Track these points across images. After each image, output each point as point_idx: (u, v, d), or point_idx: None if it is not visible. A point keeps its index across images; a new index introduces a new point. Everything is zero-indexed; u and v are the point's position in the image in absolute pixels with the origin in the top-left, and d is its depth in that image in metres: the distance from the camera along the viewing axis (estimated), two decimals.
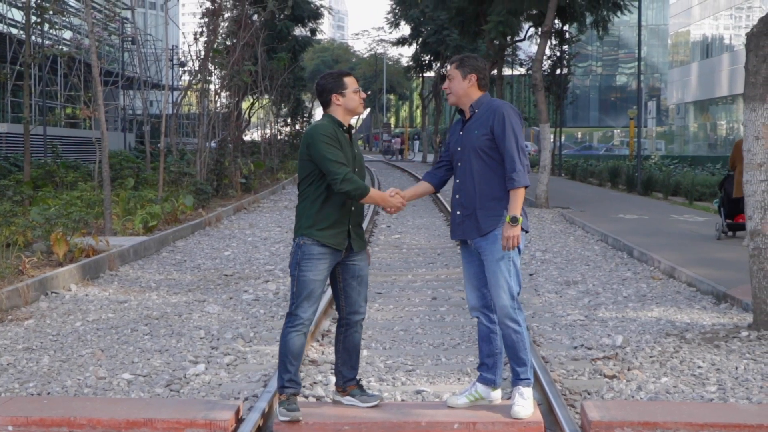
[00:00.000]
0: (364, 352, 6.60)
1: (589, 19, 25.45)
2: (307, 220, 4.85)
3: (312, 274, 4.82)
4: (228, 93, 23.63)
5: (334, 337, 5.15)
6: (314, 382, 5.87)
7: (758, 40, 6.94)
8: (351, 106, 4.94)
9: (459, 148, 4.94)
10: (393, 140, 63.65)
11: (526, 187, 4.80)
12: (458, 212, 4.96)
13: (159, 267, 11.00)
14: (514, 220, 4.75)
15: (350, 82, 4.95)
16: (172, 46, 41.01)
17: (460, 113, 5.06)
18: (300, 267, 4.84)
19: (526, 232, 4.93)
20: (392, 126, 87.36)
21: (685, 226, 14.84)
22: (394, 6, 45.09)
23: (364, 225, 5.30)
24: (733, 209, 12.79)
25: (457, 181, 4.95)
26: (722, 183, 13.44)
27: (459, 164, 4.94)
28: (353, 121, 5.12)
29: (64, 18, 24.66)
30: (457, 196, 4.95)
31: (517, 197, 4.78)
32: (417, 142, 68.17)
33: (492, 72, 26.01)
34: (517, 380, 4.92)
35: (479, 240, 4.88)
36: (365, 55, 78.96)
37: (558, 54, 34.30)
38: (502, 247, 4.79)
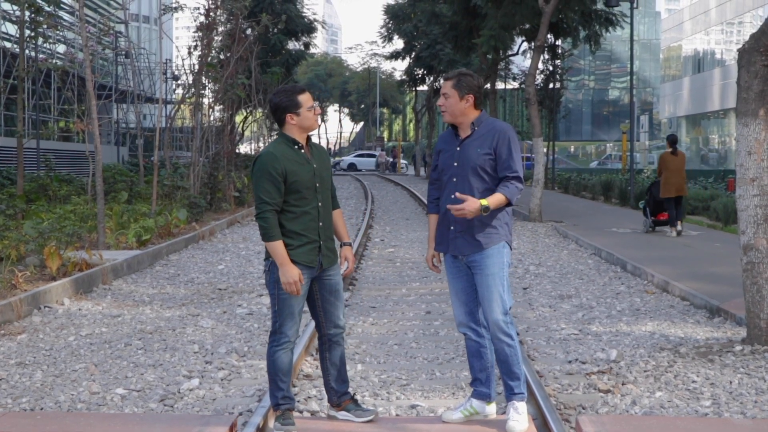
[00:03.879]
0: (358, 367, 6.60)
1: (581, 34, 25.58)
2: None
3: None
4: (221, 106, 23.67)
5: (319, 355, 5.11)
6: (308, 397, 5.85)
7: (750, 56, 6.99)
8: (306, 125, 4.84)
9: (455, 164, 4.91)
10: (379, 154, 63.62)
11: (509, 204, 4.84)
12: (451, 227, 4.93)
13: (152, 281, 10.98)
14: (485, 210, 4.73)
15: (305, 99, 4.82)
16: (166, 59, 41.04)
17: (453, 128, 5.05)
18: (279, 285, 4.78)
19: (510, 248, 4.96)
20: (385, 140, 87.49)
21: (678, 239, 14.87)
22: (387, 20, 45.28)
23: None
24: (656, 208, 15.81)
25: (452, 196, 4.90)
26: (650, 187, 16.01)
27: (454, 180, 4.91)
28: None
29: (58, 32, 24.67)
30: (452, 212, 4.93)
31: (501, 200, 4.78)
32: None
33: (485, 86, 26.11)
34: (510, 395, 4.91)
35: (474, 255, 4.87)
36: (359, 69, 79.24)
37: (551, 68, 34.48)
38: (453, 210, 4.75)
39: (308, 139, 4.93)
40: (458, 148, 4.93)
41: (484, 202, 4.73)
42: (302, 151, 4.85)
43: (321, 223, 4.86)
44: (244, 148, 40.58)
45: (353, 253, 5.16)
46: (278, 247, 4.70)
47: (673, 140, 15.52)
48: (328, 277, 4.94)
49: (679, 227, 15.35)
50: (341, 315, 5.01)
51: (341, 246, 5.06)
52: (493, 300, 4.83)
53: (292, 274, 4.68)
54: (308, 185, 4.80)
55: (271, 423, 5.10)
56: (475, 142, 4.88)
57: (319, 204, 4.86)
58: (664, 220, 15.74)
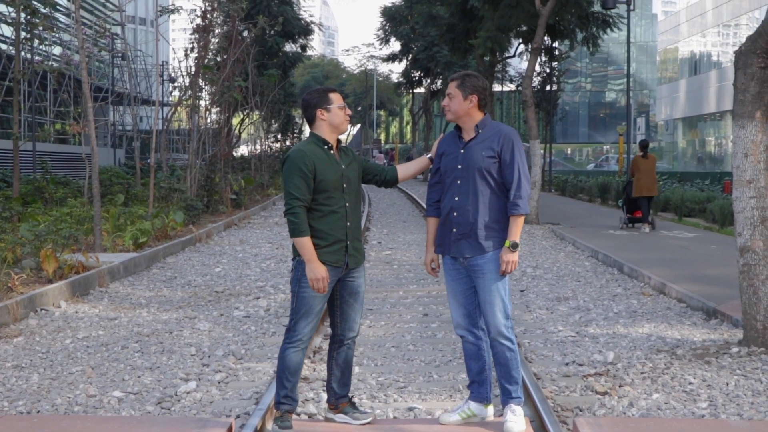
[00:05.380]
0: (355, 369, 6.59)
1: (578, 36, 25.60)
2: None
3: (312, 291, 4.80)
4: (218, 109, 23.66)
5: (327, 354, 5.13)
6: (306, 400, 5.84)
7: (746, 58, 6.99)
8: (336, 122, 4.90)
9: (459, 166, 4.90)
10: (376, 156, 63.67)
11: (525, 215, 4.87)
12: (454, 230, 4.92)
13: (149, 284, 10.96)
14: (514, 246, 4.78)
15: (336, 98, 4.92)
16: (163, 61, 41.02)
17: (457, 130, 5.05)
18: (300, 284, 4.82)
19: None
20: (382, 142, 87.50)
21: (674, 242, 14.90)
22: (384, 23, 45.31)
23: None
24: (631, 206, 17.36)
25: (456, 198, 4.90)
26: (625, 187, 17.97)
27: (458, 182, 4.90)
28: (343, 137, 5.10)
29: (54, 34, 24.64)
30: (455, 214, 4.90)
31: (519, 223, 4.82)
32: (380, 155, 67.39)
33: None
34: (508, 398, 4.90)
35: (477, 258, 4.86)
36: (355, 71, 79.17)
37: (548, 70, 34.47)
38: (500, 271, 4.82)
39: (338, 141, 4.96)
40: (462, 151, 4.92)
41: (507, 243, 4.79)
42: (331, 151, 4.89)
43: (349, 223, 4.88)
44: (240, 151, 40.57)
45: None
46: (306, 243, 4.72)
47: (644, 145, 17.43)
48: (352, 279, 4.95)
49: (647, 229, 16.72)
50: (358, 319, 5.02)
51: (429, 157, 5.20)
52: (495, 304, 4.82)
53: (319, 271, 4.71)
54: (336, 185, 4.82)
55: (269, 425, 5.10)
56: (480, 144, 4.88)
57: (347, 204, 4.88)
58: (639, 217, 17.17)
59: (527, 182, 4.86)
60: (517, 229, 4.82)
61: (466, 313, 4.98)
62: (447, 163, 4.97)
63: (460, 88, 4.91)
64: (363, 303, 5.05)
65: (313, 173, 4.76)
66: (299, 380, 4.99)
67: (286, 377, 4.86)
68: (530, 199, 19.33)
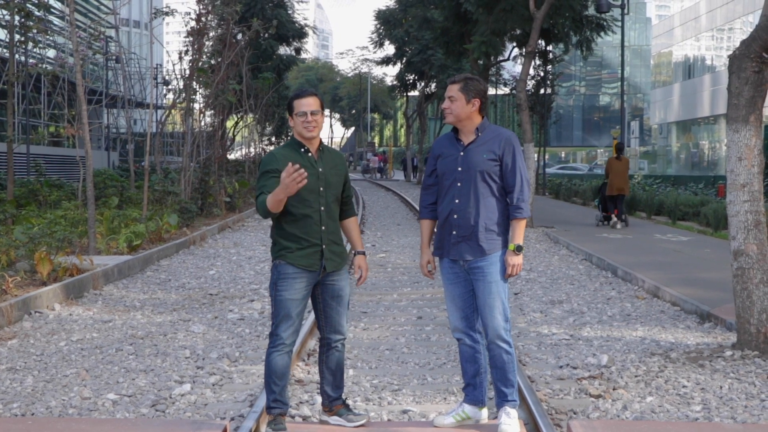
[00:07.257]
0: (350, 372, 6.60)
1: (573, 40, 25.63)
2: (278, 245, 4.84)
3: (288, 294, 4.79)
4: (212, 112, 23.65)
5: (318, 358, 5.13)
6: (300, 402, 5.84)
7: (740, 63, 7.02)
8: (297, 130, 4.88)
9: (459, 168, 4.90)
10: (370, 159, 63.59)
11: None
12: (453, 232, 4.92)
13: (143, 286, 10.95)
14: (518, 249, 4.81)
15: (297, 104, 4.83)
16: (157, 64, 40.99)
17: (454, 132, 5.05)
18: (277, 287, 4.82)
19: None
20: (376, 145, 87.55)
21: (668, 245, 14.93)
22: (378, 26, 45.30)
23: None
24: (607, 205, 18.73)
25: (456, 201, 4.89)
26: (600, 187, 19.27)
27: (458, 185, 4.89)
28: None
29: (48, 37, 24.61)
30: (455, 216, 4.89)
31: (521, 227, 4.85)
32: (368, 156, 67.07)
33: None
34: (503, 401, 4.91)
35: (477, 261, 4.86)
36: (350, 75, 79.24)
37: (542, 74, 34.50)
38: (505, 274, 4.84)
39: (320, 143, 4.94)
40: (462, 153, 4.92)
41: (511, 246, 4.81)
42: (309, 154, 4.86)
43: (323, 227, 4.85)
44: (235, 154, 40.54)
45: (366, 262, 5.14)
46: (272, 195, 4.55)
47: (619, 148, 18.82)
48: (332, 282, 4.93)
49: (619, 225, 18.19)
50: (343, 322, 5.00)
51: (354, 255, 5.07)
52: (495, 307, 4.83)
53: (285, 175, 4.46)
54: (311, 188, 4.77)
55: (263, 428, 5.10)
56: (481, 147, 4.88)
57: (322, 208, 4.85)
58: (610, 215, 18.59)
59: (528, 186, 4.89)
60: (520, 232, 4.84)
61: (464, 316, 4.98)
62: (445, 165, 4.95)
63: (462, 91, 4.89)
64: (347, 306, 5.03)
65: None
66: (288, 383, 4.99)
67: (274, 381, 4.85)
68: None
